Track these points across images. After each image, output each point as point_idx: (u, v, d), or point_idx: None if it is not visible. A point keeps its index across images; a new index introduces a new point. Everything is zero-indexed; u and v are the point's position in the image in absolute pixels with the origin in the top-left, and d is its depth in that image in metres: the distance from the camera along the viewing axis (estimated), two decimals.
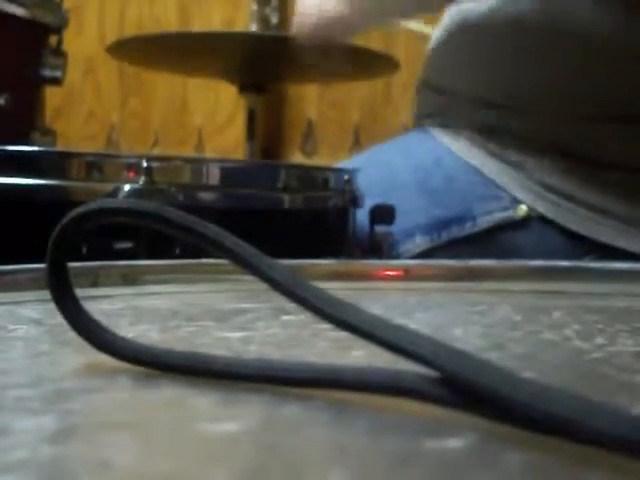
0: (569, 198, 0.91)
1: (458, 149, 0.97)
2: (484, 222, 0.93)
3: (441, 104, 1.01)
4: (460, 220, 0.93)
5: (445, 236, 0.94)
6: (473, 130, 0.96)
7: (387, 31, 1.66)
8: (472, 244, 0.93)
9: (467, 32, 0.99)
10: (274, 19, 1.75)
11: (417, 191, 0.96)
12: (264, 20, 1.73)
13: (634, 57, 0.91)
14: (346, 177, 0.82)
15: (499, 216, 0.93)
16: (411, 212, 0.93)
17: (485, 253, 0.90)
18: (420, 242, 0.94)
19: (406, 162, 0.99)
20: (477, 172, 0.95)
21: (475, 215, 0.93)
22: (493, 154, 0.95)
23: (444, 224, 0.94)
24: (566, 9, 0.91)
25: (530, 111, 0.94)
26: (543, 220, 0.92)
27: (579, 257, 0.89)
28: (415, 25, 1.31)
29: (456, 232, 0.93)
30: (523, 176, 0.93)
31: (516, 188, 0.93)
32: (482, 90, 0.97)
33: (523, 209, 0.92)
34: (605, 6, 0.90)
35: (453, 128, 0.99)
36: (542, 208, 0.92)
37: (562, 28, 0.92)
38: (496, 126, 0.95)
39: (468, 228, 0.93)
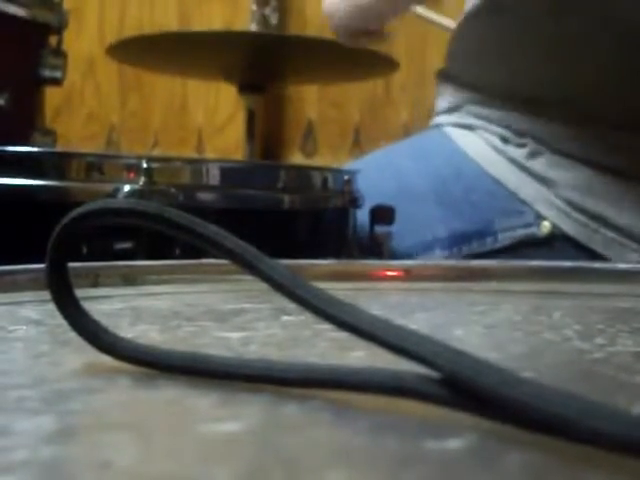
0: (598, 219, 0.87)
1: (478, 156, 0.92)
2: (506, 238, 0.89)
3: (462, 100, 0.95)
4: (481, 235, 0.90)
5: (465, 251, 0.90)
6: (495, 134, 0.91)
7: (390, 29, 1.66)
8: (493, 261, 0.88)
9: (496, 18, 0.91)
10: (273, 19, 1.76)
11: (435, 201, 0.92)
12: (264, 20, 1.73)
13: None
14: (346, 177, 0.82)
15: (522, 232, 0.89)
16: (430, 224, 0.90)
17: None
18: (439, 256, 0.90)
19: (423, 168, 0.94)
20: (498, 183, 0.90)
21: (496, 230, 0.89)
22: (517, 164, 0.90)
23: (464, 238, 0.90)
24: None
25: (564, 116, 0.88)
26: (568, 239, 0.88)
27: None
28: (435, 16, 1.26)
29: (476, 247, 0.90)
30: (549, 191, 0.88)
31: (540, 203, 0.88)
32: (509, 86, 0.91)
33: (547, 226, 0.88)
34: None
35: (473, 130, 0.93)
36: (567, 227, 0.88)
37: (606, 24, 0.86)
38: (524, 130, 0.90)
39: (489, 244, 0.89)
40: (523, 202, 0.89)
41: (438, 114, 1.00)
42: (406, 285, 0.51)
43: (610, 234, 0.87)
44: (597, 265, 0.53)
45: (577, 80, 0.89)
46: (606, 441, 0.16)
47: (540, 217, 0.89)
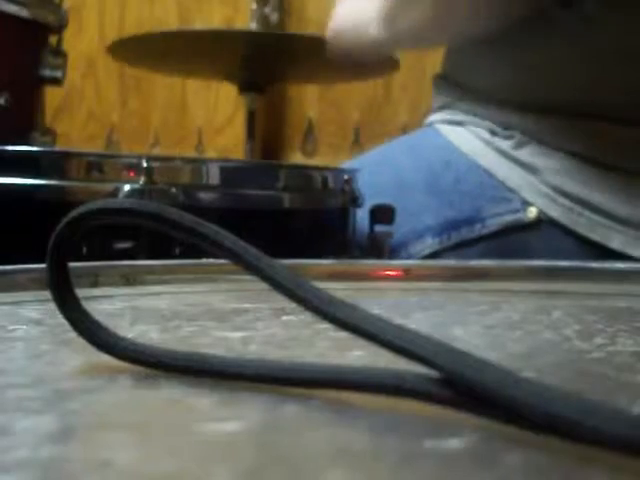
0: (582, 203, 0.89)
1: (468, 149, 0.95)
2: (494, 224, 0.91)
3: (454, 97, 0.99)
4: (469, 222, 0.92)
5: (455, 237, 0.92)
6: (484, 127, 0.95)
7: None
8: (482, 246, 0.91)
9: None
10: (274, 18, 1.76)
11: (427, 192, 0.94)
12: (264, 19, 1.73)
13: None
14: (346, 177, 0.82)
15: (509, 218, 0.91)
16: (421, 213, 0.92)
17: (495, 255, 0.88)
18: (430, 243, 0.92)
19: (415, 162, 0.97)
20: (487, 173, 0.93)
21: (485, 217, 0.92)
22: (505, 154, 0.93)
23: (454, 225, 0.92)
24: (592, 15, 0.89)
25: (548, 111, 0.92)
26: (554, 224, 0.90)
27: None
28: None
29: (465, 234, 0.92)
30: (534, 178, 0.91)
31: (527, 190, 0.91)
32: (500, 88, 0.95)
33: (533, 212, 0.91)
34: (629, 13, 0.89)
35: (463, 125, 0.97)
36: (553, 212, 0.90)
37: (588, 31, 0.90)
38: (509, 124, 0.93)
39: (477, 230, 0.92)
40: (510, 190, 0.92)
41: (431, 113, 1.04)
42: (405, 285, 0.51)
43: (594, 217, 0.89)
44: (596, 265, 0.53)
45: (562, 85, 0.92)
46: (606, 441, 0.16)
47: (527, 203, 0.91)
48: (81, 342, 0.24)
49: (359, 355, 0.26)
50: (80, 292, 0.25)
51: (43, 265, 0.24)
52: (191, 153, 1.93)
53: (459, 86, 0.99)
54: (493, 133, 0.94)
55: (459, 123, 0.97)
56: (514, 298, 0.48)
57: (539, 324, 0.37)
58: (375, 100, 1.81)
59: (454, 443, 0.18)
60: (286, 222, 0.79)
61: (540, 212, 0.91)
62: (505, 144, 0.93)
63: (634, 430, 0.15)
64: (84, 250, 0.63)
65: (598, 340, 0.31)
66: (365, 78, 1.57)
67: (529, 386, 0.17)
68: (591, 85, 0.91)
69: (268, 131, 1.84)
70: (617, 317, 0.40)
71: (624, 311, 0.43)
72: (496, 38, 0.94)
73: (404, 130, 1.69)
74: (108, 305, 0.40)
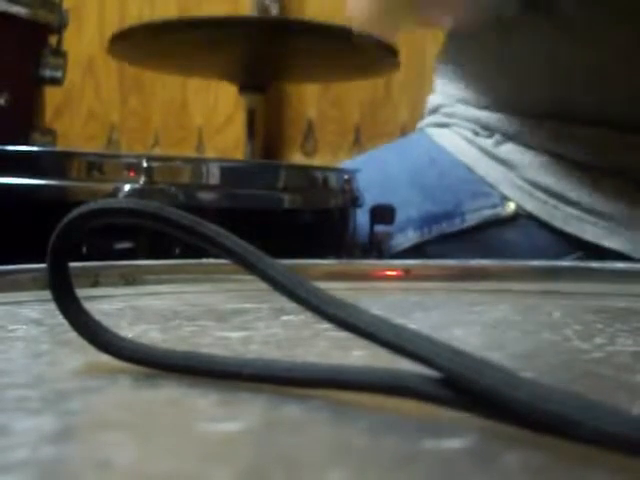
0: (556, 196, 0.93)
1: (451, 146, 0.99)
2: (473, 218, 0.95)
3: (438, 104, 1.04)
4: (450, 216, 0.95)
5: (435, 231, 0.96)
6: (466, 128, 0.98)
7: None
8: (461, 240, 0.95)
9: (462, 38, 1.01)
10: (274, 9, 1.76)
11: (411, 188, 0.98)
12: (264, 11, 1.74)
13: (624, 64, 0.92)
14: (346, 177, 0.82)
15: (488, 213, 0.95)
16: (404, 207, 0.95)
17: (473, 249, 0.92)
18: (411, 236, 0.96)
19: (402, 161, 1.01)
20: (468, 169, 0.97)
21: (464, 211, 0.95)
22: (485, 152, 0.96)
23: (435, 219, 0.96)
24: (565, 22, 0.93)
25: (520, 112, 0.96)
26: (531, 218, 0.94)
27: (565, 255, 0.91)
28: None
29: (446, 227, 0.95)
30: (512, 174, 0.95)
31: (505, 185, 0.95)
32: (475, 92, 1.00)
33: (511, 206, 0.94)
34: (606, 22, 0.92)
35: (448, 127, 1.00)
36: (530, 206, 0.94)
37: (560, 38, 0.93)
38: (489, 125, 0.97)
39: (457, 224, 0.95)
40: (490, 185, 0.96)
41: (422, 119, 1.09)
42: (406, 285, 0.51)
43: (569, 210, 0.93)
44: (596, 265, 0.53)
45: (533, 90, 0.96)
46: (606, 441, 0.16)
47: (505, 198, 0.95)
48: (81, 342, 0.24)
49: (359, 355, 0.26)
50: (80, 292, 0.25)
51: (43, 265, 0.24)
52: (191, 153, 1.93)
53: (444, 93, 1.04)
54: (475, 133, 0.98)
55: (444, 125, 1.01)
56: (514, 298, 0.48)
57: (539, 324, 0.37)
58: (375, 100, 1.81)
59: (454, 443, 0.18)
60: (286, 222, 0.79)
61: (517, 206, 0.94)
62: (486, 142, 0.97)
63: (634, 430, 0.15)
64: (84, 250, 0.63)
65: (598, 340, 0.31)
66: (365, 77, 1.57)
67: (529, 386, 0.17)
68: (559, 90, 0.95)
69: (268, 131, 1.84)
70: (617, 317, 0.40)
71: (623, 311, 0.43)
72: (474, 52, 0.99)
73: (404, 130, 1.69)
74: (108, 305, 0.40)
